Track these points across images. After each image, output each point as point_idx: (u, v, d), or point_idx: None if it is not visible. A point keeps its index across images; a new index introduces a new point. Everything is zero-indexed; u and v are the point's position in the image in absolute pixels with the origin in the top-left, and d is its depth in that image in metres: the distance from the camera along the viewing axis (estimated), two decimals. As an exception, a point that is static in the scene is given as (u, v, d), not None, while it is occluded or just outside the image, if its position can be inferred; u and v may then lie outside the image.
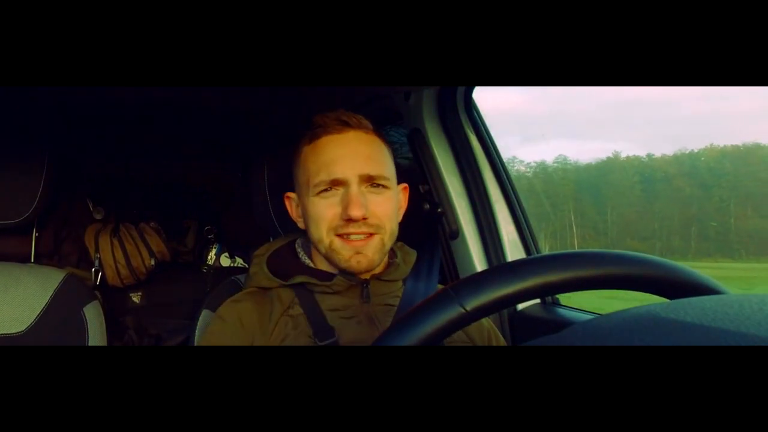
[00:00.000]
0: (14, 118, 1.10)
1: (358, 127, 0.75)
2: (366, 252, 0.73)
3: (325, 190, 0.73)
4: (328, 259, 0.76)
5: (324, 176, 0.72)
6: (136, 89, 1.01)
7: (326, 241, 0.74)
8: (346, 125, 0.74)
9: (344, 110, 0.76)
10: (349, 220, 0.71)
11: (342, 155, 0.73)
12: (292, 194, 0.82)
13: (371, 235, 0.73)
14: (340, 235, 0.73)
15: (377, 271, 0.79)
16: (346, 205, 0.71)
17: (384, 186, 0.74)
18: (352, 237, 0.72)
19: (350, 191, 0.72)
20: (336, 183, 0.72)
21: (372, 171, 0.73)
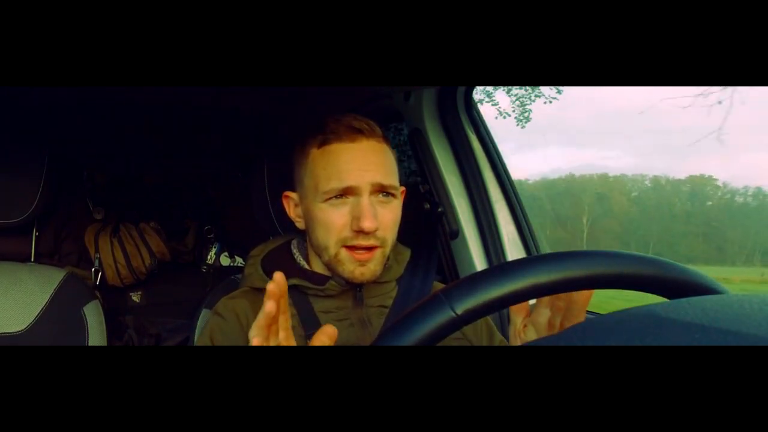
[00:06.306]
0: (14, 118, 1.10)
1: (371, 135, 0.74)
2: (370, 265, 0.73)
3: (336, 197, 0.72)
4: (331, 267, 0.76)
5: (335, 184, 0.71)
6: (136, 89, 1.01)
7: (333, 251, 0.73)
8: (359, 133, 0.73)
9: (356, 116, 0.75)
10: (360, 232, 0.71)
11: (355, 164, 0.72)
12: (291, 194, 0.81)
13: (375, 248, 0.73)
14: (347, 247, 0.73)
15: None
16: (357, 216, 0.71)
17: (393, 195, 0.74)
18: (359, 250, 0.72)
19: (362, 202, 0.71)
20: (348, 191, 0.72)
21: (384, 180, 0.72)
